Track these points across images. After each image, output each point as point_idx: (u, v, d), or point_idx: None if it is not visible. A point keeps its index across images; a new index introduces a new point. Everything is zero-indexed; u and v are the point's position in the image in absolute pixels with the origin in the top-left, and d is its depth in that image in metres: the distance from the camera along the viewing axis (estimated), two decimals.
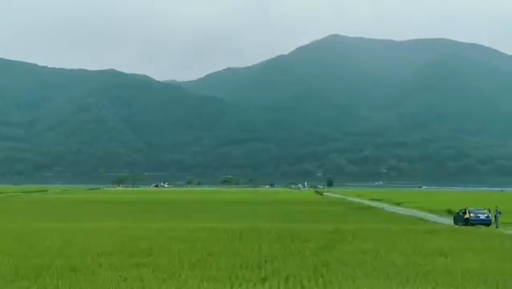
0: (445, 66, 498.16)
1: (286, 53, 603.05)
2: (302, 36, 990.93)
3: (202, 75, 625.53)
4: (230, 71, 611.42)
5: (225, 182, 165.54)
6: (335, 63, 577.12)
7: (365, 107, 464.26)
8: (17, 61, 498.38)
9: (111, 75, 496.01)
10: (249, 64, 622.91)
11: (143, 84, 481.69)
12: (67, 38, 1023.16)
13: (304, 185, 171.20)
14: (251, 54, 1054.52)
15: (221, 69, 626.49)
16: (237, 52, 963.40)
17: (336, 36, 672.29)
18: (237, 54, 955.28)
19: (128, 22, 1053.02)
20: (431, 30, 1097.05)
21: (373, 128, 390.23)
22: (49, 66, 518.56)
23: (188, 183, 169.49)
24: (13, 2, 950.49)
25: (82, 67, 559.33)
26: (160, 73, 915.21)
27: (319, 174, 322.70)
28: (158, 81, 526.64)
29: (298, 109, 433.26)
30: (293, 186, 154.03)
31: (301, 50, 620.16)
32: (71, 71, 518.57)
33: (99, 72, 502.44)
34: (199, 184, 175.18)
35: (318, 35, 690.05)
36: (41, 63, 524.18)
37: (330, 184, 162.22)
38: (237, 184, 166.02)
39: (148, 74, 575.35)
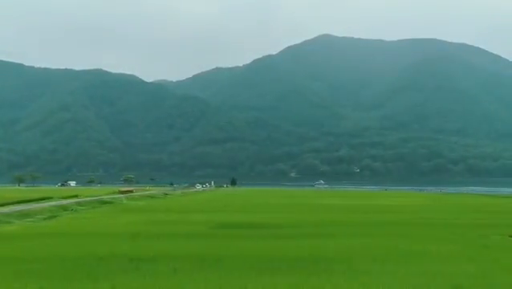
0: (431, 66, 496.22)
1: (274, 53, 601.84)
2: (294, 36, 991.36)
3: (191, 74, 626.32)
4: (219, 70, 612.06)
5: (126, 181, 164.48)
6: (323, 62, 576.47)
7: (349, 107, 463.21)
8: (3, 61, 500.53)
9: (98, 74, 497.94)
10: (239, 64, 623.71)
11: (128, 84, 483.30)
12: (56, 38, 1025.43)
13: (211, 184, 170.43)
14: (242, 54, 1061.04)
15: (209, 69, 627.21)
16: (228, 52, 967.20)
17: (327, 36, 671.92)
18: (228, 54, 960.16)
19: (120, 23, 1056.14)
20: (422, 29, 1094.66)
21: (353, 128, 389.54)
22: (35, 66, 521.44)
23: (90, 182, 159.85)
24: (1, 3, 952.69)
25: (69, 66, 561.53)
26: (150, 73, 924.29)
27: (293, 174, 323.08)
28: (144, 81, 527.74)
29: (280, 109, 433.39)
30: (198, 186, 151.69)
31: (290, 49, 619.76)
32: (58, 70, 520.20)
33: (85, 72, 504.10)
34: (100, 183, 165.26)
35: (310, 35, 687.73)
36: (28, 63, 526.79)
37: (233, 183, 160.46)
38: (138, 182, 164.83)
39: (136, 74, 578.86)
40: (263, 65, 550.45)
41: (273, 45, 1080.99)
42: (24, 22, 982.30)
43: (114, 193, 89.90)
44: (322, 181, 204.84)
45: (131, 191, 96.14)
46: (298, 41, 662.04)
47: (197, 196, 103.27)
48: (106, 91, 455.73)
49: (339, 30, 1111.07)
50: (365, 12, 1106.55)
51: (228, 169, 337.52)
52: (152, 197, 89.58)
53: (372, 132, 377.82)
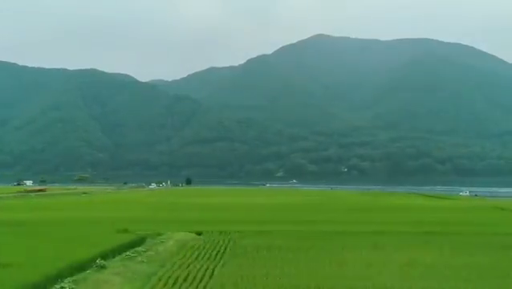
0: (423, 66, 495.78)
1: (269, 52, 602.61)
2: (289, 36, 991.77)
3: (186, 74, 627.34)
4: (214, 70, 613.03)
5: (80, 181, 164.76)
6: (317, 62, 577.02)
7: (341, 107, 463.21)
8: None
9: (92, 74, 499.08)
10: (235, 64, 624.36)
11: (121, 84, 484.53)
12: (52, 39, 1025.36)
13: (167, 183, 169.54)
14: (238, 53, 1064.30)
15: (204, 69, 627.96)
16: (224, 52, 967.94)
17: (322, 36, 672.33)
18: (224, 54, 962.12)
19: (117, 23, 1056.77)
20: (417, 29, 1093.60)
21: (344, 127, 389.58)
22: (29, 65, 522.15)
23: (41, 182, 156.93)
24: None
25: (64, 66, 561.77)
26: (146, 73, 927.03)
27: (280, 174, 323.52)
28: (138, 81, 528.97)
29: (273, 109, 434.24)
30: (153, 185, 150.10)
31: (285, 49, 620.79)
32: (52, 70, 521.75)
33: (79, 72, 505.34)
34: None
35: (305, 35, 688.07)
36: (21, 63, 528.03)
37: (188, 182, 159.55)
38: (92, 182, 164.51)
39: (131, 74, 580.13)
40: (258, 65, 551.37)
41: (268, 45, 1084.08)
42: (19, 21, 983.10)
43: (19, 191, 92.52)
44: (294, 181, 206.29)
45: (43, 190, 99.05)
46: (293, 40, 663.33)
47: (116, 195, 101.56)
48: (99, 91, 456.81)
49: (334, 30, 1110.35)
50: (361, 12, 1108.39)
51: (217, 169, 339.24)
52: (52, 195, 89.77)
53: (362, 131, 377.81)
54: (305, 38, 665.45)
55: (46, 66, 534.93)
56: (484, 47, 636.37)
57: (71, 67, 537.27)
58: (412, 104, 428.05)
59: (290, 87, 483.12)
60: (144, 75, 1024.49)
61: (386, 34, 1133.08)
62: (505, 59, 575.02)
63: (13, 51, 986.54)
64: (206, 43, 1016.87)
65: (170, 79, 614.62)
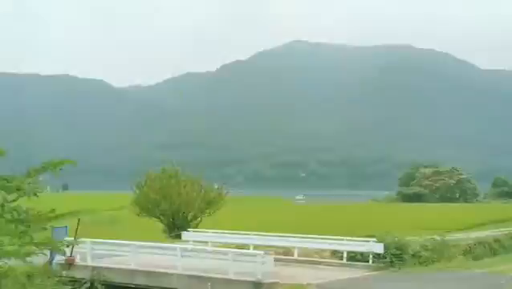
0: (396, 71, 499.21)
1: (244, 58, 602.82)
2: (268, 41, 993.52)
3: (162, 79, 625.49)
4: (190, 76, 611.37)
5: None
6: (292, 68, 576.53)
7: (310, 112, 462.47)
8: None
9: (63, 80, 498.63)
10: (212, 69, 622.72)
11: (93, 89, 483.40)
12: (27, 43, 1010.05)
13: (47, 189, 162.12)
14: (214, 59, 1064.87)
15: (181, 74, 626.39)
16: (201, 57, 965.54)
17: (298, 42, 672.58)
18: (202, 60, 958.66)
19: (96, 27, 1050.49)
20: (395, 35, 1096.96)
21: (309, 133, 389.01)
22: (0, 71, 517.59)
23: None
24: None
25: (37, 71, 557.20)
26: (123, 78, 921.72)
27: (239, 179, 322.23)
28: (112, 86, 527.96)
29: (239, 114, 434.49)
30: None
31: (260, 55, 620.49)
32: (23, 75, 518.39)
33: (51, 77, 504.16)
34: None
35: (282, 41, 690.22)
36: None
37: (65, 188, 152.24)
38: None
39: (108, 79, 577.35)
40: (232, 70, 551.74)
41: (244, 50, 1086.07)
42: None
43: None
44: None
45: None
46: (270, 46, 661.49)
47: None
48: (68, 97, 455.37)
49: (311, 36, 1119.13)
50: (340, 18, 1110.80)
51: None
52: None
53: (326, 136, 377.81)
54: (282, 44, 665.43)
55: (18, 71, 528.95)
56: (458, 54, 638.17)
57: (43, 73, 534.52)
58: (381, 110, 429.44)
59: (262, 92, 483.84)
60: (121, 81, 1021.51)
61: (364, 41, 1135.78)
62: (477, 64, 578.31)
63: None
64: (185, 49, 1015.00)
65: (146, 85, 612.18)
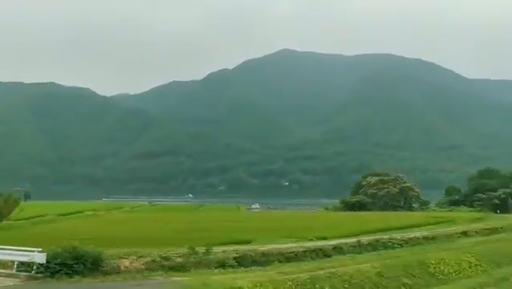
0: (381, 80, 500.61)
1: (231, 67, 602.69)
2: (256, 50, 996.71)
3: (148, 88, 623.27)
4: (176, 84, 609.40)
5: None
6: (279, 77, 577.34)
7: (296, 121, 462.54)
8: None
9: (48, 88, 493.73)
10: (198, 78, 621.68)
11: (77, 98, 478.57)
12: (11, 51, 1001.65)
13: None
14: (201, 67, 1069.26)
15: (167, 82, 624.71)
16: (186, 66, 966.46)
17: (286, 50, 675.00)
18: (187, 68, 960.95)
19: (84, 35, 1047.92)
20: (383, 44, 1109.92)
21: (294, 141, 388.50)
22: None
23: None
24: None
25: (20, 80, 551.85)
26: (111, 87, 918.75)
27: (222, 188, 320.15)
28: (97, 94, 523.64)
29: (226, 123, 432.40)
30: None
31: (247, 64, 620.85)
32: (6, 84, 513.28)
33: (35, 85, 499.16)
34: None
35: (271, 50, 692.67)
36: None
37: (27, 196, 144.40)
38: None
39: (94, 87, 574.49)
40: (218, 79, 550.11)
41: (231, 59, 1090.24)
42: None
43: None
44: (190, 195, 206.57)
45: None
46: (259, 55, 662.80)
47: None
48: (52, 105, 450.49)
49: (300, 45, 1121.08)
50: (330, 27, 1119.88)
51: (159, 183, 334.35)
52: None
53: (311, 145, 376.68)
54: (270, 53, 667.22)
55: (2, 80, 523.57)
56: (444, 63, 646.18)
57: (27, 81, 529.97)
58: (367, 119, 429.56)
59: (248, 101, 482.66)
60: (108, 89, 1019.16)
61: (351, 50, 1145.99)
62: (463, 74, 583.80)
63: None
64: (172, 56, 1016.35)
65: (132, 93, 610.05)
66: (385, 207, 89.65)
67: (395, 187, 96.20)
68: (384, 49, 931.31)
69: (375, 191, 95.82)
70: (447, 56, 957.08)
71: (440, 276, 19.67)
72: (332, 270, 17.23)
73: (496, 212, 76.00)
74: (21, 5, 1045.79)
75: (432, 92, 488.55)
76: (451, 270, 20.30)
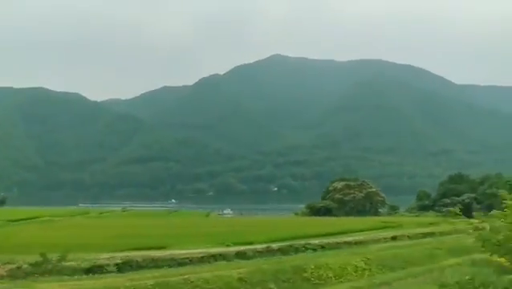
0: (371, 86, 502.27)
1: (222, 72, 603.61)
2: (248, 56, 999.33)
3: (139, 93, 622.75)
4: (167, 89, 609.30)
5: None
6: (270, 82, 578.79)
7: (287, 126, 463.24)
8: None
9: (38, 93, 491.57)
10: (189, 83, 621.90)
11: (67, 103, 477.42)
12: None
13: None
14: (192, 73, 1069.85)
15: (158, 87, 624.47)
16: (178, 71, 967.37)
17: (278, 56, 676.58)
18: (178, 73, 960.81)
19: (73, 40, 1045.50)
20: (374, 50, 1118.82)
21: (284, 147, 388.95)
22: None
23: None
24: None
25: (10, 84, 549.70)
26: (102, 92, 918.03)
27: (210, 193, 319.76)
28: (87, 99, 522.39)
29: (216, 128, 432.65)
30: None
31: (238, 69, 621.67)
32: None
33: (24, 90, 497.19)
34: None
35: (263, 55, 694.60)
36: None
37: (2, 203, 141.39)
38: None
39: (85, 92, 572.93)
40: (209, 84, 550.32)
41: (222, 65, 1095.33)
42: None
43: None
44: (173, 200, 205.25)
45: None
46: (250, 60, 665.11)
47: None
48: (41, 110, 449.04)
49: (292, 51, 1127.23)
50: (323, 33, 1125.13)
51: (148, 189, 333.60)
52: None
53: (301, 150, 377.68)
54: (261, 58, 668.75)
55: None
56: (435, 69, 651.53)
57: (17, 86, 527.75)
58: (357, 124, 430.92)
59: (239, 106, 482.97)
60: (99, 95, 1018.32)
61: (343, 55, 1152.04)
62: (453, 80, 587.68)
63: None
64: (163, 62, 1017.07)
65: (123, 98, 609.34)
66: (351, 212, 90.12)
67: (361, 192, 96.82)
68: (375, 55, 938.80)
69: (341, 196, 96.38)
70: (436, 62, 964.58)
71: (316, 281, 19.85)
72: (187, 276, 17.33)
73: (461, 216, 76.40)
74: (9, 9, 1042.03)
75: (422, 98, 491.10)
76: (331, 275, 20.50)
